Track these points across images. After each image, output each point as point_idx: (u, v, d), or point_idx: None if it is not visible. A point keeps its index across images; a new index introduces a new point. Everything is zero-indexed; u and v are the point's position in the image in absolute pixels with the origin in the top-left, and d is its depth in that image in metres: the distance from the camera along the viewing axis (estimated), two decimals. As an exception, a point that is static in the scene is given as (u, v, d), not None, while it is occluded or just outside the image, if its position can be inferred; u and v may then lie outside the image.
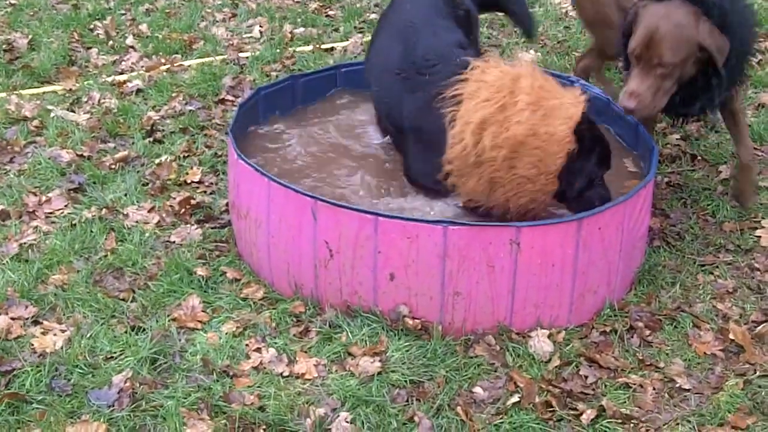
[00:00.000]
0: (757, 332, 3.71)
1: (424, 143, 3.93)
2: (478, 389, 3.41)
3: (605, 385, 3.45)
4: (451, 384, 3.43)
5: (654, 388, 3.44)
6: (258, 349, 3.57)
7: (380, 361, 3.50)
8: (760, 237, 4.31)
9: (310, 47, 6.48)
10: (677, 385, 3.46)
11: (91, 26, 6.85)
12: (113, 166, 4.86)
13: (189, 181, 4.72)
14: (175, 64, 6.16)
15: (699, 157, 5.05)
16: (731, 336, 3.66)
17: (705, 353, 3.61)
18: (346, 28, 6.83)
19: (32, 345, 3.55)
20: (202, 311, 3.77)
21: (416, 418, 3.26)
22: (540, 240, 3.52)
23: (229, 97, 5.68)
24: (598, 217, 3.61)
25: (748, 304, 3.90)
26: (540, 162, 3.61)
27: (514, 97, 3.59)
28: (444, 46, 4.03)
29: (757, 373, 3.50)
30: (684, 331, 3.73)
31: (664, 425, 3.28)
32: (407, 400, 3.36)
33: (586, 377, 3.47)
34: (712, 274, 4.09)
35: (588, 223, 3.58)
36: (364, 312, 3.67)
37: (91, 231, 4.27)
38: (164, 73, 6.02)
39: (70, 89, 5.78)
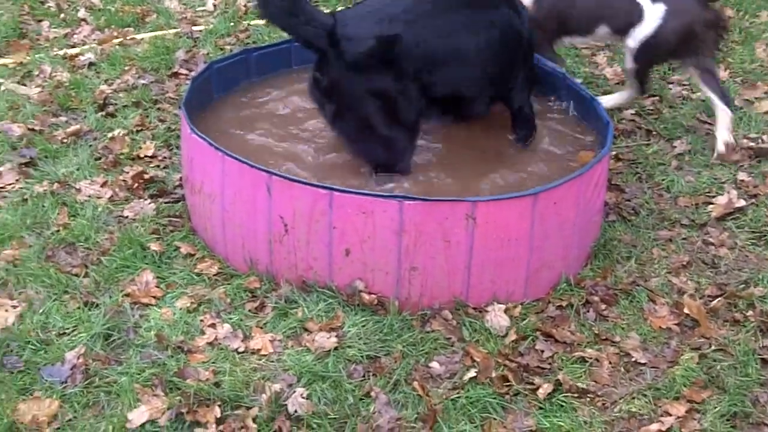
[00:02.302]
0: (712, 306, 3.74)
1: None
2: (434, 364, 3.41)
3: (561, 360, 3.46)
4: (408, 359, 3.42)
5: (610, 362, 3.46)
6: (213, 325, 3.53)
7: (336, 336, 3.48)
8: (712, 212, 4.35)
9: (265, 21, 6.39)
10: (633, 359, 3.48)
11: (42, -1, 6.72)
12: (65, 140, 4.78)
13: (142, 156, 4.65)
14: (128, 38, 6.07)
15: (654, 132, 5.08)
16: (686, 310, 3.69)
17: (660, 327, 3.64)
18: (302, 2, 6.75)
19: (-18, 321, 3.48)
20: (156, 287, 3.73)
21: (373, 393, 3.25)
22: (496, 214, 3.52)
23: (183, 71, 5.60)
24: (553, 192, 3.60)
25: (702, 279, 3.93)
26: None
27: None
28: None
29: (712, 347, 3.54)
30: (639, 306, 3.75)
31: (620, 399, 3.30)
32: (364, 376, 3.34)
33: (543, 352, 3.48)
34: (667, 248, 4.12)
35: (544, 198, 3.57)
36: (319, 287, 3.65)
37: (43, 206, 4.19)
38: (117, 47, 5.92)
39: (21, 62, 5.66)
